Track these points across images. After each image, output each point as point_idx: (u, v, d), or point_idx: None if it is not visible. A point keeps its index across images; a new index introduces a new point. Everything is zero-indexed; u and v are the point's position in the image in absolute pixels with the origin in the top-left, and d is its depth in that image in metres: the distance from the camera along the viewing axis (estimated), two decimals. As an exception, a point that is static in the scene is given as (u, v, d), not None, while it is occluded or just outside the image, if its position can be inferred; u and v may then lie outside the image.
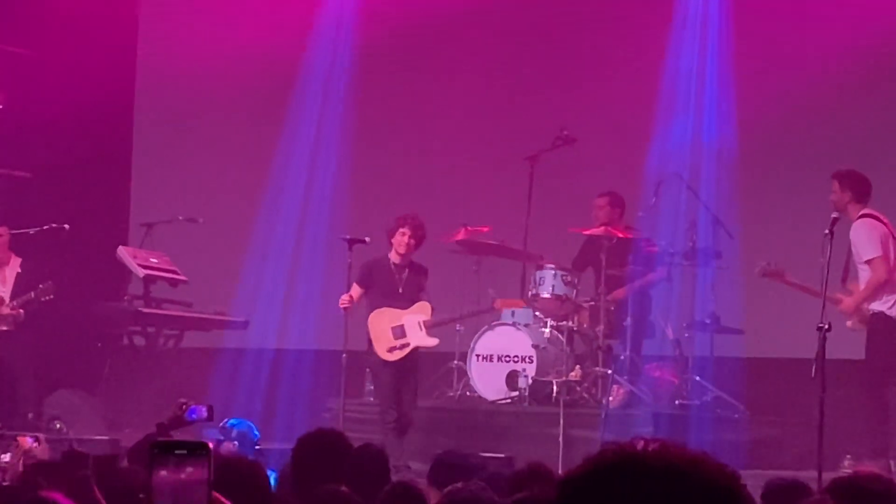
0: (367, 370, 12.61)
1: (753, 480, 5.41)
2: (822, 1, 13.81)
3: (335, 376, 12.37)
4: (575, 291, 12.74)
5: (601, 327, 12.48)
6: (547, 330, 12.65)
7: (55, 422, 12.79)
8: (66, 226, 13.48)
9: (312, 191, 15.41)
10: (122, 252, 14.26)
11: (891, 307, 11.56)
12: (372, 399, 12.87)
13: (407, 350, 12.04)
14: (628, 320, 12.51)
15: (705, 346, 12.53)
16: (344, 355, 12.12)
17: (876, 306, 11.52)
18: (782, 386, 12.58)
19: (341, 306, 12.08)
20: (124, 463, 7.00)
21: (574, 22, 14.68)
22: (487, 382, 12.57)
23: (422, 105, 15.20)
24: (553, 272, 12.69)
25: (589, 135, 13.71)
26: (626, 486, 2.22)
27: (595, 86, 14.37)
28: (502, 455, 10.84)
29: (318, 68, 15.56)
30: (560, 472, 8.57)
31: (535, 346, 12.45)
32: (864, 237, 11.49)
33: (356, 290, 12.17)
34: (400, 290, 12.11)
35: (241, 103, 15.90)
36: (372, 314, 12.13)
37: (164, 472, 2.59)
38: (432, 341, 12.14)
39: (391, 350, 12.04)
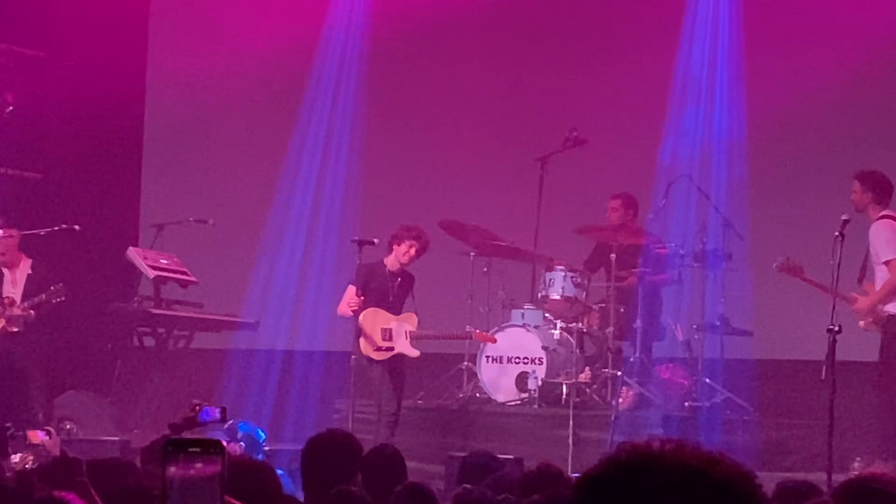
0: (353, 361, 12.45)
1: (764, 482, 5.40)
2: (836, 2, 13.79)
3: (345, 377, 12.39)
4: (585, 293, 12.74)
5: (611, 329, 12.48)
6: (557, 331, 12.66)
7: (65, 422, 12.82)
8: (77, 227, 13.49)
9: (322, 192, 15.42)
10: (133, 253, 14.28)
11: None
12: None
13: (391, 354, 12.16)
14: (638, 322, 12.51)
15: (715, 348, 12.52)
16: (353, 357, 12.14)
17: (891, 308, 11.47)
18: (792, 388, 12.58)
19: (351, 309, 12.11)
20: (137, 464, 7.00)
21: (585, 22, 14.68)
22: (497, 384, 12.57)
23: (431, 107, 15.20)
24: (563, 274, 12.69)
25: (599, 136, 13.71)
26: (643, 485, 2.23)
27: (605, 87, 14.37)
28: (512, 457, 10.83)
29: (329, 70, 15.57)
30: (570, 473, 8.57)
31: (545, 348, 12.45)
32: (883, 238, 11.46)
33: (352, 291, 12.25)
34: (391, 298, 12.27)
35: (252, 104, 15.92)
36: (365, 311, 12.21)
37: (175, 469, 2.59)
38: (414, 352, 12.24)
39: (377, 350, 12.15)
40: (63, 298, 13.02)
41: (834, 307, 9.84)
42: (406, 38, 15.25)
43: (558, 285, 12.68)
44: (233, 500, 2.95)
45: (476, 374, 12.70)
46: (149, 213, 15.85)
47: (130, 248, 14.47)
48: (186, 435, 6.55)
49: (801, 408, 12.32)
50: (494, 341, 12.60)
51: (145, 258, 14.17)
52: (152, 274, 14.03)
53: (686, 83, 13.99)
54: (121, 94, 15.71)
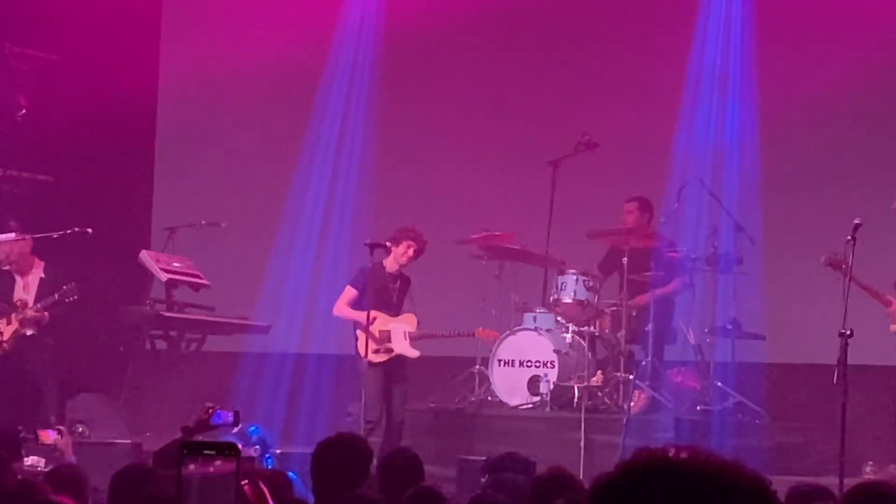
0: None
1: (775, 486, 5.40)
2: (848, 2, 13.75)
3: (356, 381, 12.40)
4: (597, 296, 12.73)
5: (623, 332, 12.47)
6: (569, 335, 12.65)
7: (78, 425, 12.83)
8: (89, 230, 13.51)
9: (334, 195, 15.43)
10: (145, 256, 14.30)
11: None
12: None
13: (389, 356, 12.20)
14: (650, 326, 12.50)
15: (727, 352, 12.51)
16: (366, 360, 12.15)
17: None
18: (804, 391, 12.57)
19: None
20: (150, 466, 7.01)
21: (597, 26, 14.67)
22: (509, 387, 12.57)
23: (444, 110, 15.21)
24: (575, 277, 12.69)
25: (611, 140, 13.71)
26: (658, 492, 2.24)
27: (617, 90, 14.37)
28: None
29: (341, 73, 15.58)
30: (581, 477, 8.57)
31: (557, 352, 12.45)
32: None
33: (350, 293, 12.30)
34: (393, 300, 12.33)
35: (264, 107, 15.94)
36: (361, 315, 12.26)
37: (192, 470, 2.60)
38: (414, 353, 12.26)
39: (376, 352, 12.19)
40: (75, 297, 13.04)
41: (846, 311, 9.82)
42: (419, 41, 15.26)
43: (570, 289, 12.67)
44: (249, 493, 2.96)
45: (488, 377, 12.70)
46: (161, 216, 15.87)
47: (143, 251, 14.50)
48: (199, 438, 6.57)
49: (813, 411, 12.30)
50: (497, 337, 12.61)
51: (158, 261, 14.19)
52: (164, 277, 14.05)
53: (698, 86, 13.97)
54: (133, 97, 15.73)
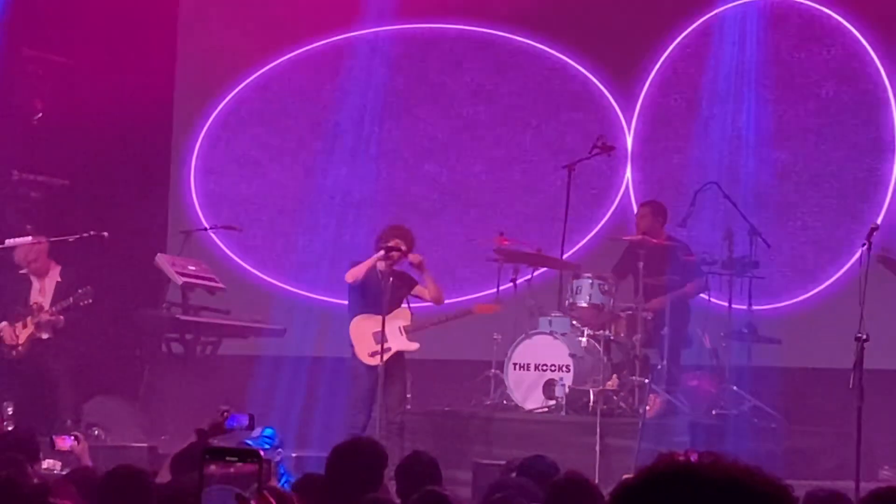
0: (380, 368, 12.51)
1: (791, 491, 5.39)
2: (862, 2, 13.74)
3: (352, 383, 12.52)
4: (612, 300, 12.72)
5: (638, 336, 12.46)
6: (584, 339, 12.64)
7: (93, 428, 12.86)
8: (105, 234, 13.54)
9: (351, 199, 15.44)
10: (161, 259, 14.31)
11: None
12: (409, 407, 12.92)
13: (388, 355, 12.20)
14: (665, 330, 12.49)
15: (743, 356, 12.50)
16: (381, 363, 12.15)
17: None
18: (820, 396, 12.54)
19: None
20: (164, 470, 7.02)
21: (613, 28, 14.66)
22: (524, 391, 12.57)
23: (459, 113, 15.21)
24: (590, 281, 12.68)
25: (625, 143, 13.71)
26: (680, 497, 2.24)
27: (632, 94, 14.36)
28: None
29: (358, 74, 15.58)
30: (597, 481, 8.57)
31: (572, 356, 12.44)
32: None
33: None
34: (388, 300, 12.32)
35: (280, 110, 15.96)
36: (354, 320, 12.38)
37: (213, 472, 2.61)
38: (412, 346, 12.31)
39: (373, 354, 12.22)
40: (90, 301, 13.07)
41: (862, 315, 9.80)
42: (435, 43, 15.27)
43: (586, 293, 12.67)
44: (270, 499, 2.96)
45: (503, 381, 12.69)
46: (177, 220, 15.90)
47: (158, 254, 14.52)
48: (216, 442, 6.57)
49: (829, 416, 12.28)
50: (498, 310, 12.63)
51: (173, 265, 14.21)
52: (180, 280, 14.07)
53: (714, 88, 13.95)
54: (149, 101, 15.76)
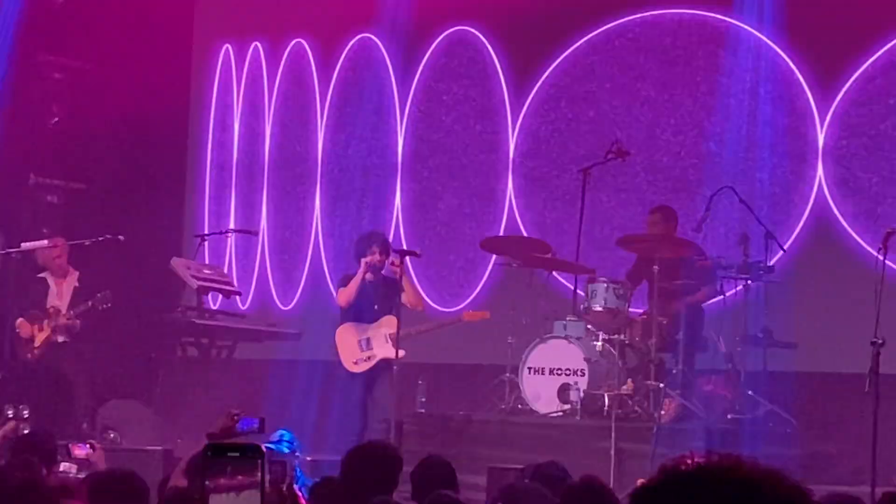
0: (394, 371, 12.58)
1: (806, 495, 5.38)
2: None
3: (334, 388, 12.61)
4: (627, 305, 12.71)
5: (653, 341, 12.45)
6: (599, 343, 12.63)
7: (109, 431, 12.89)
8: (121, 237, 13.57)
9: (366, 203, 15.46)
10: (176, 263, 14.34)
11: None
12: (423, 410, 12.94)
13: (373, 362, 12.47)
14: (680, 334, 12.47)
15: (758, 361, 12.47)
16: (395, 367, 12.17)
17: None
18: (835, 400, 12.51)
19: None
20: (177, 473, 7.02)
21: (630, 34, 14.65)
22: (539, 395, 12.56)
23: (473, 116, 15.21)
24: (605, 285, 12.67)
25: (642, 147, 13.70)
26: (701, 498, 2.25)
27: (649, 98, 14.35)
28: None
29: (373, 80, 15.60)
30: (612, 485, 8.56)
31: (587, 360, 12.43)
32: None
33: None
34: (375, 307, 12.59)
35: (297, 114, 15.98)
36: (340, 328, 12.68)
37: (220, 480, 2.61)
38: (399, 353, 12.31)
39: (357, 362, 12.52)
40: (109, 305, 13.11)
41: (878, 319, 9.79)
42: (451, 43, 15.28)
43: (601, 297, 12.65)
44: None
45: (518, 385, 12.69)
46: (193, 224, 15.92)
47: (174, 258, 14.55)
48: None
49: (845, 421, 12.25)
50: (487, 316, 12.76)
51: (188, 268, 14.24)
52: (195, 284, 14.10)
53: (729, 92, 13.93)
54: (165, 105, 15.80)
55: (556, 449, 11.75)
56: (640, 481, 2.41)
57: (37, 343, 13.31)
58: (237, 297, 14.84)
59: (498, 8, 14.87)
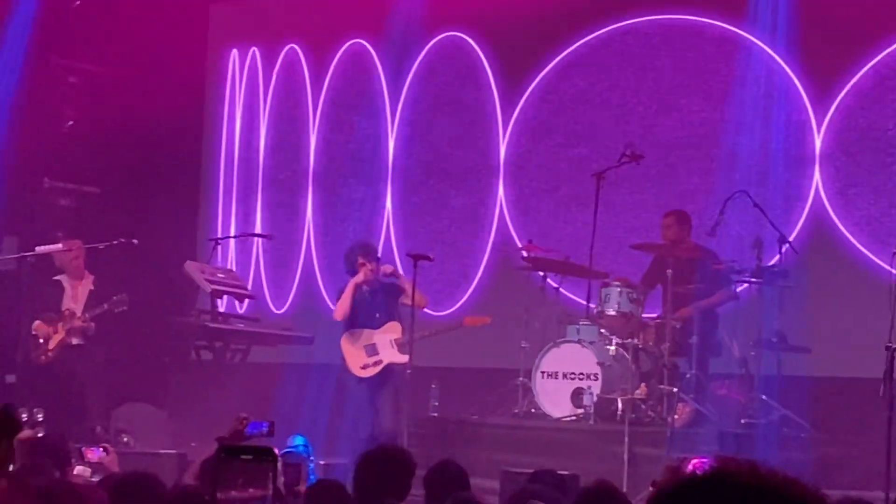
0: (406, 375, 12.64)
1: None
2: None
3: (342, 393, 12.63)
4: (640, 309, 12.70)
5: (667, 345, 12.43)
6: (612, 347, 12.62)
7: (122, 435, 12.90)
8: (135, 241, 13.60)
9: (379, 207, 15.47)
10: (190, 267, 14.36)
11: None
12: (437, 414, 12.95)
13: (380, 367, 12.57)
14: (694, 338, 12.46)
15: (772, 365, 12.45)
16: (408, 371, 12.18)
17: None
18: (849, 405, 12.49)
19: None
20: (189, 477, 7.04)
21: (642, 39, 14.64)
22: (552, 399, 12.55)
23: (486, 120, 15.22)
24: (619, 289, 12.66)
25: (655, 151, 13.68)
26: (718, 503, 2.26)
27: (663, 102, 14.34)
28: (567, 472, 10.80)
29: (385, 86, 15.61)
30: (625, 490, 8.55)
31: (601, 364, 12.42)
32: None
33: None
34: (377, 315, 12.69)
35: (308, 119, 15.99)
36: (345, 335, 12.75)
37: (232, 493, 2.62)
38: (403, 358, 12.48)
39: (364, 367, 12.61)
40: (125, 308, 13.14)
41: (892, 324, 9.76)
42: (464, 49, 15.29)
43: (614, 301, 12.65)
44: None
45: (531, 389, 12.69)
46: (207, 228, 15.95)
47: (188, 261, 14.57)
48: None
49: (859, 425, 12.22)
50: (487, 321, 12.84)
51: (202, 272, 14.25)
52: (209, 288, 14.11)
53: (743, 97, 13.91)
54: (178, 108, 15.82)
55: (569, 453, 11.75)
56: (652, 484, 2.42)
57: (51, 345, 13.34)
58: (235, 301, 14.89)
59: (489, 14, 14.87)
